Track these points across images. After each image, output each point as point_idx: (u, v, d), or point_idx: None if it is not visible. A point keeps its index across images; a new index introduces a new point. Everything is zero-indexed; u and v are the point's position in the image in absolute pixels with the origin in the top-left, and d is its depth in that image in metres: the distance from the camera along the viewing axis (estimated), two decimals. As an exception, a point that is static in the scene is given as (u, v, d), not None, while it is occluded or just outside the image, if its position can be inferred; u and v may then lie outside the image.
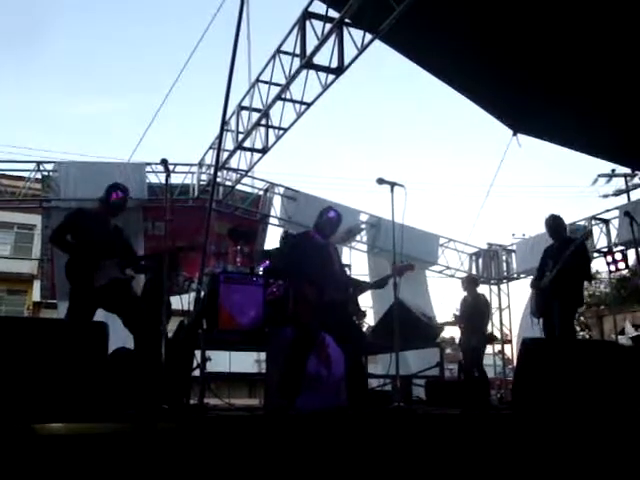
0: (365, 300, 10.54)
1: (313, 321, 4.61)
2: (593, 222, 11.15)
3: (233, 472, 2.82)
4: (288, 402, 4.39)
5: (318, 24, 6.85)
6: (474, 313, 8.57)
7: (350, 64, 6.84)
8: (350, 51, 6.77)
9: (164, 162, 4.73)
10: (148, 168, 9.93)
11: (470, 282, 9.12)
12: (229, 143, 9.10)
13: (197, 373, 5.38)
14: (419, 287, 11.71)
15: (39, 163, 9.77)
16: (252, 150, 8.91)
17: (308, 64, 7.02)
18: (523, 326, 11.75)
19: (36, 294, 19.81)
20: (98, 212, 4.98)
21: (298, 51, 7.13)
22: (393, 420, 3.62)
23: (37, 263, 17.97)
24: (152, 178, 9.98)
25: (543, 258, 6.42)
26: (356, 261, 11.92)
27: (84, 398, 3.21)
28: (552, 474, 3.41)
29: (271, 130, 8.46)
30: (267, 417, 4.30)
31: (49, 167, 9.79)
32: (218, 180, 9.68)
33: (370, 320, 9.55)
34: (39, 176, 9.75)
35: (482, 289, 13.63)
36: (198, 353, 5.37)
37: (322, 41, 6.75)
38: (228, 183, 10.41)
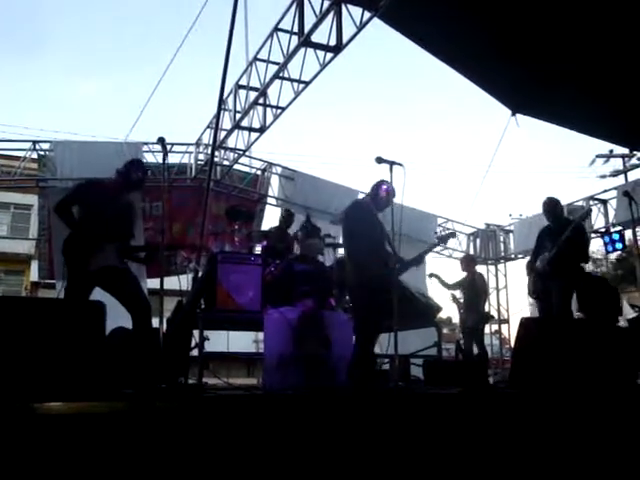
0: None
1: (373, 294, 4.61)
2: (591, 202, 11.15)
3: (231, 451, 2.83)
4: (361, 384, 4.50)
5: (316, 1, 6.78)
6: (471, 292, 8.64)
7: (349, 42, 6.78)
8: (349, 29, 6.72)
9: (161, 141, 4.65)
10: (145, 147, 9.83)
11: (469, 261, 9.17)
12: (227, 122, 9.07)
13: (195, 353, 5.38)
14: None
15: (35, 142, 9.67)
16: (250, 129, 8.87)
17: (306, 42, 6.95)
18: (525, 307, 11.80)
19: (34, 274, 19.82)
20: (112, 186, 4.87)
21: (296, 29, 7.06)
22: (392, 400, 3.63)
23: (34, 243, 17.98)
24: (149, 158, 9.88)
25: (539, 239, 6.42)
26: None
27: (82, 377, 3.22)
28: (549, 452, 3.43)
29: (269, 109, 8.41)
30: (266, 397, 4.31)
31: (45, 146, 9.69)
32: (216, 160, 9.64)
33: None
34: (35, 155, 9.67)
35: (480, 269, 13.71)
36: (196, 333, 5.37)
37: (320, 19, 6.68)
38: (226, 163, 10.36)
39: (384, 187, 5.12)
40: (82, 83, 54.42)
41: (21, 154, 9.65)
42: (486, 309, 9.17)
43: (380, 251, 4.83)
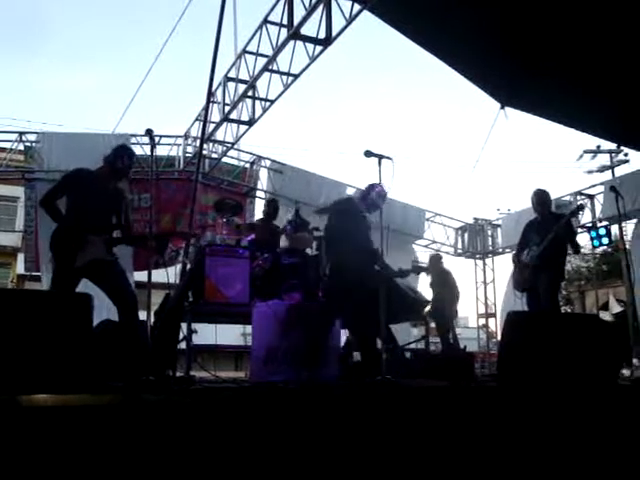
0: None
1: (346, 290, 4.61)
2: (578, 197, 11.23)
3: (219, 443, 2.84)
4: (310, 372, 4.56)
5: (306, -6, 6.74)
6: (440, 290, 8.79)
7: (338, 35, 6.77)
8: (338, 22, 6.71)
9: (149, 132, 4.61)
10: (133, 139, 9.77)
11: (436, 260, 9.32)
12: (215, 115, 9.04)
13: (183, 345, 5.37)
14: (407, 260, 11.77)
15: (21, 134, 9.61)
16: (238, 122, 8.86)
17: (295, 35, 6.94)
18: (507, 300, 11.90)
19: (20, 267, 19.69)
20: (100, 174, 4.81)
21: (285, 21, 7.04)
22: (379, 392, 3.65)
23: (21, 236, 17.86)
24: (137, 150, 9.81)
25: (526, 232, 6.45)
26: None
27: (69, 370, 3.20)
28: (535, 444, 3.46)
29: (258, 102, 8.40)
30: (254, 389, 4.32)
31: (32, 138, 9.64)
32: (204, 152, 9.61)
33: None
34: (21, 147, 9.61)
35: (467, 263, 13.81)
36: (184, 326, 5.35)
37: (310, 11, 6.66)
38: (214, 155, 10.34)
39: (377, 189, 5.06)
40: (71, 74, 54.01)
41: (7, 145, 9.58)
42: (456, 306, 9.24)
43: (362, 251, 4.81)
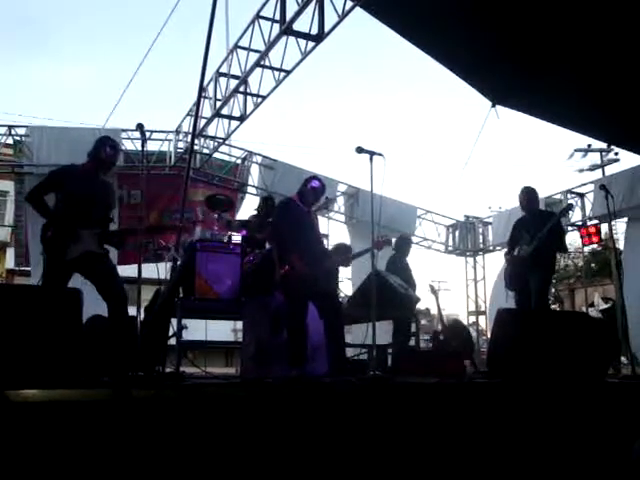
0: (345, 270, 10.56)
1: (301, 288, 4.66)
2: (569, 196, 11.28)
3: (208, 439, 2.83)
4: (300, 370, 4.52)
5: (299, -11, 6.72)
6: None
7: (330, 31, 6.75)
8: (331, 18, 6.69)
9: (140, 127, 4.56)
10: (123, 134, 9.74)
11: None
12: (207, 110, 9.00)
13: (173, 341, 5.36)
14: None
15: (10, 127, 9.54)
16: (230, 118, 8.83)
17: (288, 30, 6.91)
18: (497, 298, 11.93)
19: (9, 261, 19.58)
20: (86, 169, 4.76)
21: (278, 17, 7.01)
22: (369, 388, 3.65)
23: (10, 230, 17.74)
24: (128, 145, 9.82)
25: (515, 230, 6.45)
26: (332, 231, 11.95)
27: (58, 365, 3.19)
28: (524, 440, 3.48)
29: (249, 97, 8.37)
30: (244, 385, 4.31)
31: (21, 132, 9.59)
32: (195, 148, 9.57)
33: (348, 290, 9.64)
34: (10, 141, 9.53)
35: (458, 261, 13.84)
36: (174, 321, 5.34)
37: (302, 7, 6.64)
38: (205, 151, 10.31)
39: (311, 184, 5.15)
40: (62, 68, 53.69)
41: (-4, 139, 9.52)
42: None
43: (308, 248, 4.84)
